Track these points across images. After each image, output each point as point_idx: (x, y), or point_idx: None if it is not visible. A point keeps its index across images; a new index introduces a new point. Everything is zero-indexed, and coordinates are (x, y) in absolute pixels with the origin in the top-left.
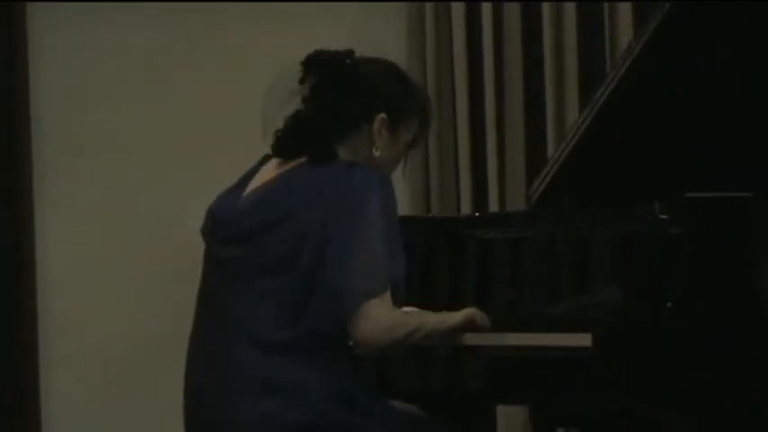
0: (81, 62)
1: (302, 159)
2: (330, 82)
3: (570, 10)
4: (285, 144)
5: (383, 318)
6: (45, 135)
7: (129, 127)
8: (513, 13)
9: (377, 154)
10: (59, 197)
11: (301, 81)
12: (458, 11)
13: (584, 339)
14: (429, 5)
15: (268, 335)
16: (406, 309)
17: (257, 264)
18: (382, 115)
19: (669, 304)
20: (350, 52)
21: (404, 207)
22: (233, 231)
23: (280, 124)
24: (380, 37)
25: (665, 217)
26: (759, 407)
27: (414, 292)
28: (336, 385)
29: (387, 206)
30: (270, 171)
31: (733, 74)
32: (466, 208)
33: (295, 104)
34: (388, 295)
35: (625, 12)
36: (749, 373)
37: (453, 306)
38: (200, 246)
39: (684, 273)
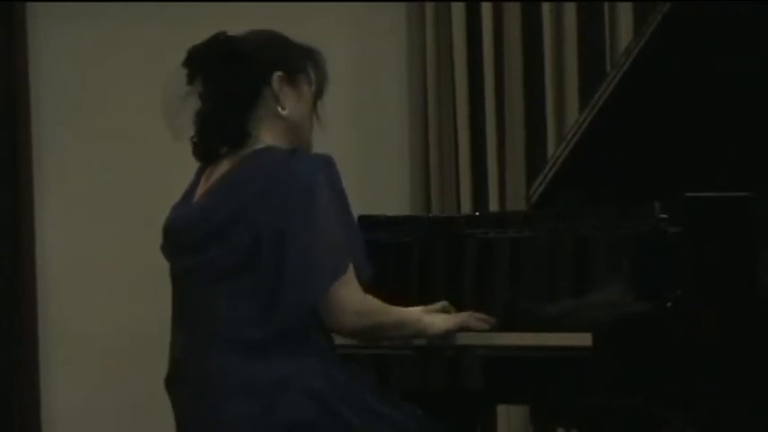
0: (81, 61)
1: (236, 158)
2: (215, 67)
3: (570, 10)
4: (203, 147)
5: (351, 301)
6: (45, 134)
7: (129, 126)
8: (512, 12)
9: (285, 113)
10: (60, 196)
11: (190, 81)
12: (458, 11)
13: (584, 339)
14: (429, 5)
15: (245, 334)
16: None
17: (219, 267)
18: (278, 73)
19: (669, 304)
20: (221, 33)
21: (404, 207)
22: (189, 241)
23: (187, 128)
24: (381, 37)
25: (664, 216)
26: (759, 407)
27: (413, 291)
28: (328, 377)
29: (334, 187)
30: (209, 177)
31: (733, 73)
32: (466, 208)
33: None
34: (351, 276)
35: (625, 11)
36: (749, 373)
37: (452, 306)
38: None
39: (684, 272)
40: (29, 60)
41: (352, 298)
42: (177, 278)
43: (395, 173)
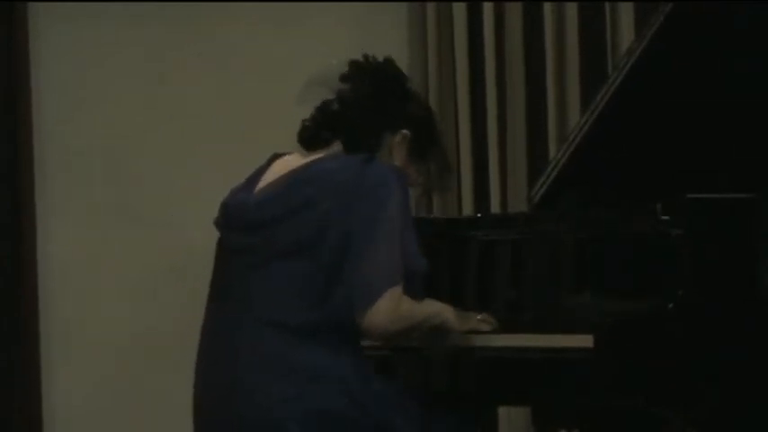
0: (82, 62)
1: (320, 153)
2: (373, 83)
3: (572, 10)
4: (312, 132)
5: (393, 309)
6: (46, 134)
7: (130, 126)
8: (514, 12)
9: (396, 162)
10: (61, 196)
11: (344, 80)
12: (459, 11)
13: (585, 341)
14: (430, 5)
15: (288, 318)
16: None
17: (274, 249)
18: (406, 131)
19: (670, 305)
20: (398, 68)
21: None
22: (250, 220)
23: (306, 105)
24: (382, 37)
25: (666, 218)
26: (760, 407)
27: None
28: (358, 373)
29: (404, 199)
30: (282, 166)
31: (734, 74)
32: (468, 209)
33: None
34: (401, 287)
35: (627, 12)
36: (750, 373)
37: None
38: (201, 244)
39: (685, 273)
40: (29, 60)
41: (393, 307)
42: (226, 253)
43: None
